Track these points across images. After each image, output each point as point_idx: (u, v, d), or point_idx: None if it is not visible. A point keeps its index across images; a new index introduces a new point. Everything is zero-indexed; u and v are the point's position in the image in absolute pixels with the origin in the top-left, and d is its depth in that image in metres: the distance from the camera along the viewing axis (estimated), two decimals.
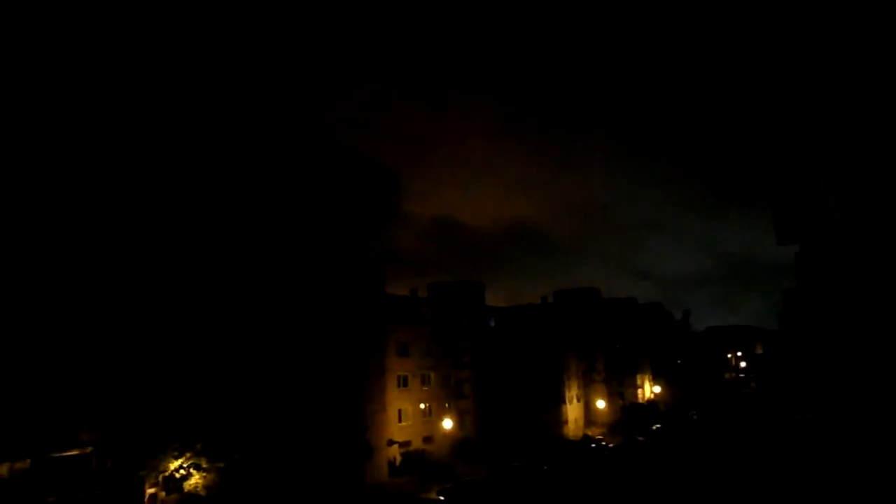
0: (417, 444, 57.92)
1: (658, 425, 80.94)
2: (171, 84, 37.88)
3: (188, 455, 34.77)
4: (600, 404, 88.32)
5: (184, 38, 39.10)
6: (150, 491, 34.79)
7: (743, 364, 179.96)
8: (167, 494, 35.20)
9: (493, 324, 75.28)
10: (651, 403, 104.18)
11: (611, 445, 67.41)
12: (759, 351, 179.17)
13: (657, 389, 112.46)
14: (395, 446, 54.87)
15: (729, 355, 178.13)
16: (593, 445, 67.36)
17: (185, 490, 35.08)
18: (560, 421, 75.57)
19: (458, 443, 61.75)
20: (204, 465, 35.16)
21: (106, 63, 34.96)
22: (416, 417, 58.84)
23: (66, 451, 31.70)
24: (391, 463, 53.97)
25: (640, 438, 70.87)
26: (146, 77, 36.25)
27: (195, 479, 35.03)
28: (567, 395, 78.66)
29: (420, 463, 55.36)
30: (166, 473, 34.64)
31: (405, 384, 58.21)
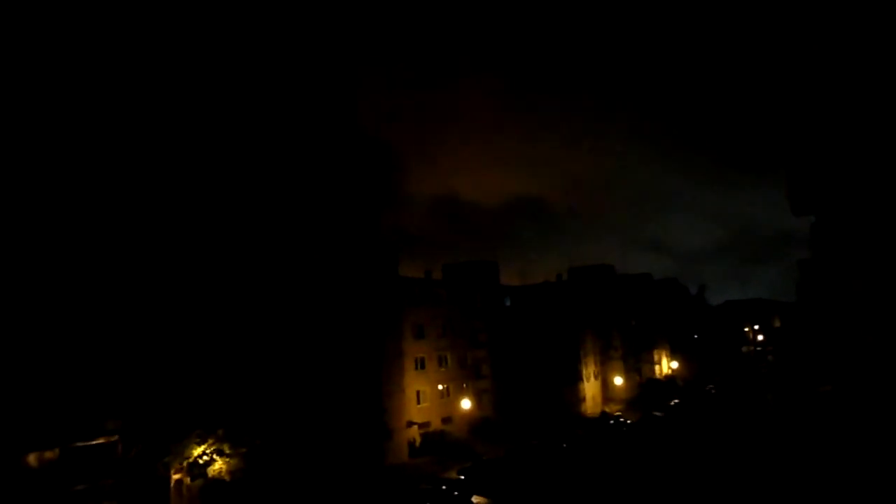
0: (436, 424, 58.39)
1: (676, 400, 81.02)
2: (166, 75, 37.87)
3: (211, 441, 35.26)
4: (618, 381, 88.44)
5: (179, 29, 39.03)
6: (176, 477, 35.38)
7: (760, 337, 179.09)
8: (192, 480, 35.76)
9: (508, 303, 75.46)
10: (669, 379, 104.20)
11: (629, 422, 67.61)
12: (777, 324, 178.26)
13: (674, 365, 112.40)
14: (415, 427, 55.36)
15: (746, 329, 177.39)
16: (611, 422, 67.57)
17: (210, 475, 35.62)
18: (578, 398, 75.80)
19: (477, 422, 62.19)
20: (227, 451, 35.65)
21: (106, 65, 35.06)
22: (434, 398, 59.27)
23: (92, 440, 32.26)
24: (411, 444, 54.51)
25: (658, 414, 71.00)
26: (135, 71, 36.26)
27: (219, 465, 35.54)
28: (584, 372, 78.82)
29: (439, 443, 55.84)
30: (190, 460, 35.16)
31: (422, 366, 58.59)
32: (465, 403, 61.34)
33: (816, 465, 38.31)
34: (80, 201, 33.19)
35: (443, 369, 61.26)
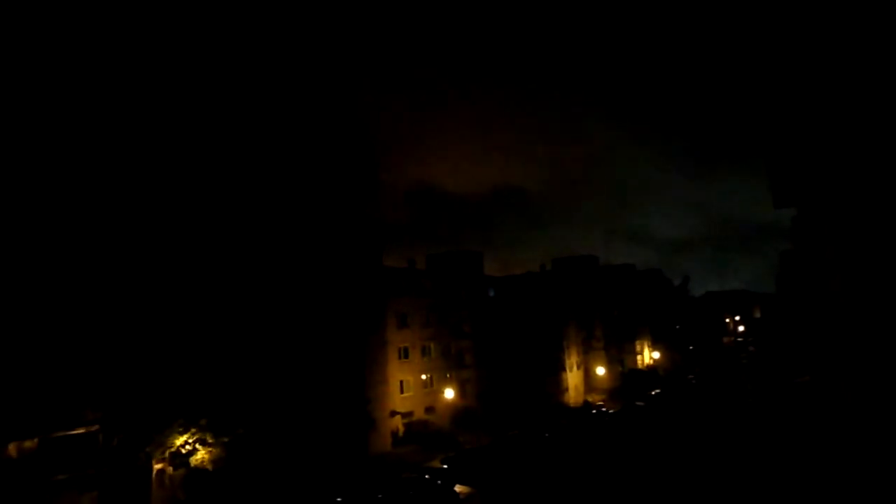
0: (420, 414, 58.54)
1: (657, 390, 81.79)
2: (155, 74, 37.44)
3: (193, 431, 35.12)
4: (600, 371, 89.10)
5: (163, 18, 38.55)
6: (158, 467, 35.23)
7: (741, 328, 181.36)
8: (174, 469, 35.63)
9: (492, 293, 75.59)
10: (650, 369, 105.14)
11: (611, 411, 68.18)
12: (757, 315, 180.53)
13: (656, 355, 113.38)
14: (398, 417, 55.47)
15: (727, 320, 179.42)
16: (594, 412, 68.12)
17: (192, 465, 35.51)
18: (560, 388, 76.27)
19: (460, 412, 62.42)
20: (209, 440, 35.54)
21: (100, 64, 34.67)
22: (417, 388, 59.38)
23: (72, 430, 32.01)
24: (394, 433, 54.62)
25: (639, 404, 71.67)
26: (130, 68, 35.87)
27: (201, 454, 35.42)
28: (567, 362, 79.28)
29: (423, 433, 56.01)
30: (172, 449, 35.02)
31: (406, 355, 58.64)
32: (449, 393, 61.52)
33: (795, 454, 38.91)
34: (61, 194, 32.81)
35: (426, 359, 61.36)
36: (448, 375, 63.55)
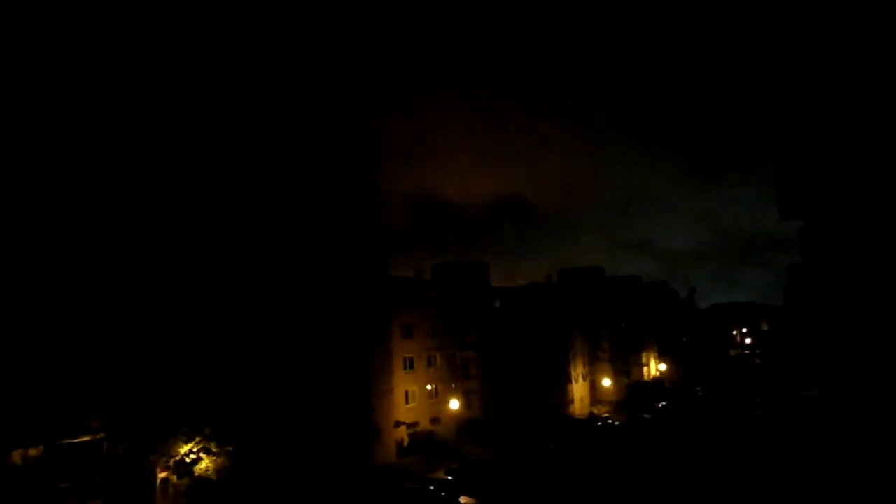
0: (425, 424, 58.30)
1: (664, 403, 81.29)
2: (154, 71, 37.67)
3: (197, 439, 35.07)
4: (606, 383, 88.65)
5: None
6: (162, 475, 35.18)
7: (748, 341, 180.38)
8: (178, 478, 35.55)
9: (497, 304, 75.45)
10: (657, 381, 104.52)
11: (617, 423, 67.78)
12: (765, 327, 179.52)
13: (663, 367, 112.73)
14: (403, 427, 55.27)
15: (734, 332, 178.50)
16: (599, 424, 67.75)
17: (196, 474, 35.42)
18: (566, 400, 75.88)
19: (465, 423, 62.17)
20: (213, 449, 35.47)
21: (99, 61, 34.92)
22: (422, 399, 59.19)
23: (77, 438, 32.01)
24: (399, 444, 54.43)
25: (645, 416, 71.23)
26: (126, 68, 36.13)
27: (205, 463, 35.35)
28: (573, 374, 78.92)
29: (427, 443, 55.79)
30: (177, 458, 34.97)
31: (411, 366, 58.48)
32: (454, 404, 61.30)
33: (803, 467, 38.55)
34: (62, 198, 32.97)
35: (432, 370, 61.19)
36: (453, 386, 63.33)
